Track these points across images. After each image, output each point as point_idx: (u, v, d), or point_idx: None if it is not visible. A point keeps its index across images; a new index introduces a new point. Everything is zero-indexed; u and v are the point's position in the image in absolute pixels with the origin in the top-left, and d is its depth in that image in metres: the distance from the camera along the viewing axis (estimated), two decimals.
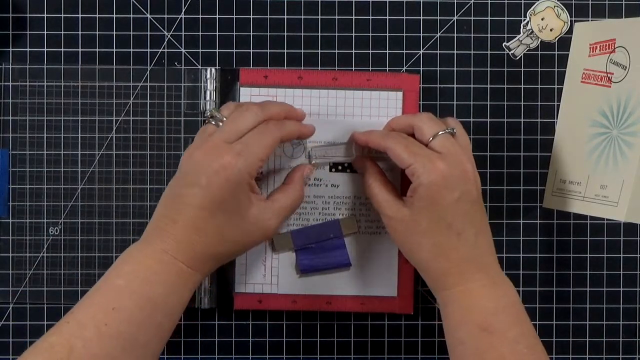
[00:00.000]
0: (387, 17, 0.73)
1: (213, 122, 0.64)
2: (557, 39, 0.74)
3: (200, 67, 0.73)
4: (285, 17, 0.73)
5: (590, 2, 0.74)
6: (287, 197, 0.67)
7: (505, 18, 0.74)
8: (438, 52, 0.74)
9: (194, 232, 0.61)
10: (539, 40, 0.74)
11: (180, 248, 0.61)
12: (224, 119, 0.64)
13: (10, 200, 0.72)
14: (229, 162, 0.60)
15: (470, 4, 0.74)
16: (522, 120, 0.74)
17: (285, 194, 0.67)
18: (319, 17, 0.73)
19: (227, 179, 0.60)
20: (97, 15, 0.73)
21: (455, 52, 0.74)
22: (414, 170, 0.63)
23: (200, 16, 0.73)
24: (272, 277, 0.72)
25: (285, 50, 0.73)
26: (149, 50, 0.73)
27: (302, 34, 0.73)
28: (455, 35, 0.74)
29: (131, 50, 0.73)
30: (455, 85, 0.74)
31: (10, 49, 0.73)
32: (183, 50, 0.73)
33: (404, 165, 0.63)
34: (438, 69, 0.74)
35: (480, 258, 0.63)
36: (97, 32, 0.73)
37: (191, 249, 0.61)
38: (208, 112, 0.65)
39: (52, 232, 0.72)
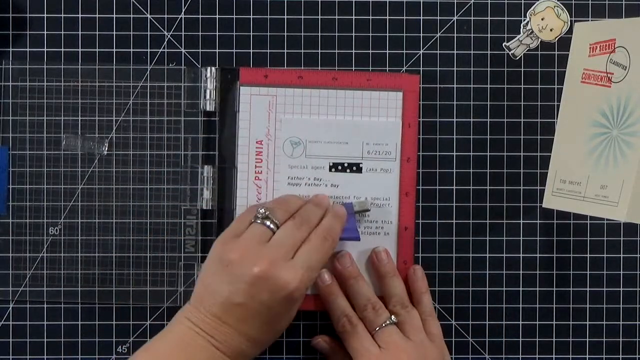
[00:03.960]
0: (387, 17, 0.73)
1: (267, 223, 0.65)
2: (557, 39, 0.74)
3: (200, 66, 0.73)
4: (285, 17, 0.73)
5: (590, 2, 0.74)
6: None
7: (505, 18, 0.74)
8: (438, 52, 0.74)
9: (239, 335, 0.63)
10: (539, 40, 0.74)
11: (228, 347, 0.63)
12: (276, 223, 0.65)
13: (10, 199, 0.72)
14: (295, 287, 0.63)
15: (470, 4, 0.74)
16: (522, 120, 0.74)
17: None
18: (319, 17, 0.73)
19: (288, 300, 0.63)
20: (97, 15, 0.73)
21: (455, 52, 0.74)
22: None
23: (200, 16, 0.73)
24: None
25: (285, 50, 0.73)
26: (149, 50, 0.73)
27: (302, 34, 0.73)
28: (455, 35, 0.74)
29: (131, 50, 0.73)
30: (455, 85, 0.74)
31: (10, 49, 0.73)
32: (183, 50, 0.73)
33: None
34: (438, 69, 0.74)
35: None
36: (97, 32, 0.73)
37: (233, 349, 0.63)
38: (261, 212, 0.65)
39: (51, 231, 0.72)
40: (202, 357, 0.62)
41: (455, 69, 0.74)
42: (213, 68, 0.72)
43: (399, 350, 0.67)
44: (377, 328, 0.68)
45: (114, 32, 0.73)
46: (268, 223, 0.65)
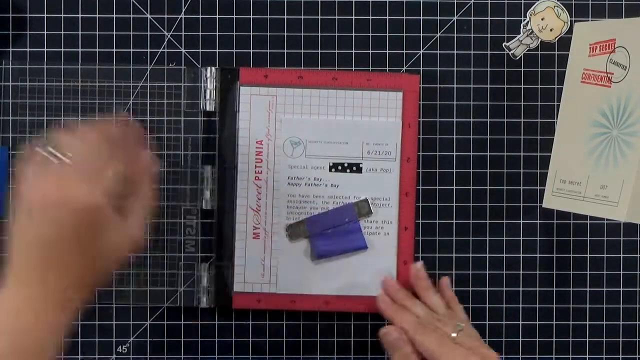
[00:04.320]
0: (387, 17, 0.73)
1: (54, 157, 0.57)
2: (557, 39, 0.74)
3: (200, 66, 0.73)
4: (285, 17, 0.73)
5: (590, 2, 0.74)
6: (142, 201, 0.60)
7: (505, 18, 0.74)
8: (438, 52, 0.74)
9: (55, 277, 0.55)
10: (539, 40, 0.74)
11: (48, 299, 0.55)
12: (65, 153, 0.57)
13: (10, 200, 0.72)
14: (86, 197, 0.55)
15: (470, 4, 0.74)
16: (522, 120, 0.74)
17: (138, 199, 0.60)
18: (319, 17, 0.73)
19: (88, 216, 0.55)
20: (97, 15, 0.73)
21: (455, 52, 0.74)
22: None
23: (200, 16, 0.73)
24: (271, 276, 0.72)
25: (285, 50, 0.73)
26: (149, 50, 0.73)
27: (302, 34, 0.73)
28: (455, 35, 0.74)
29: (131, 50, 0.73)
30: (455, 85, 0.74)
31: (10, 49, 0.73)
32: (183, 50, 0.73)
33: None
34: (438, 69, 0.74)
35: None
36: (97, 32, 0.73)
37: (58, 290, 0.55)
38: (47, 148, 0.57)
39: None
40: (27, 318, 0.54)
41: (455, 69, 0.74)
42: (213, 68, 0.72)
43: (483, 351, 0.66)
44: (455, 334, 0.67)
45: (114, 32, 0.73)
46: (50, 149, 0.57)
